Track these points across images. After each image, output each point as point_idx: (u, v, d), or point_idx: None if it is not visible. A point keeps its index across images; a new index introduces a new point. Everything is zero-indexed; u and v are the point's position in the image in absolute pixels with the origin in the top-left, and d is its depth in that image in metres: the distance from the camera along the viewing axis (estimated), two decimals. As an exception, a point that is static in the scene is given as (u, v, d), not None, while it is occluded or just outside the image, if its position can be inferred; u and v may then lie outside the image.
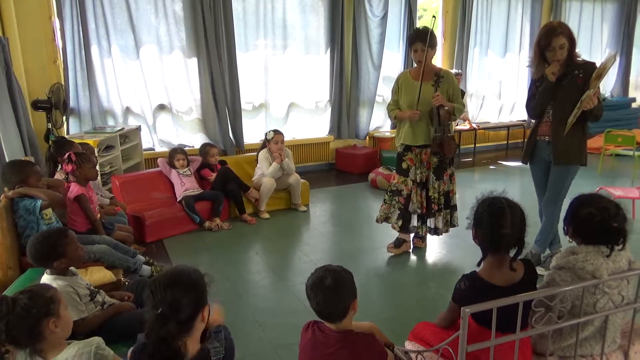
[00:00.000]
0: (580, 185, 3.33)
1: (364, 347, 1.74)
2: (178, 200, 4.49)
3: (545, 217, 3.34)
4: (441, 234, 3.84)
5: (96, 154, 3.99)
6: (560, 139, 3.07)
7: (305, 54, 6.32)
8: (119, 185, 4.38)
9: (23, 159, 3.64)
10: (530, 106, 3.23)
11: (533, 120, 3.36)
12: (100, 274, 2.68)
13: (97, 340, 1.81)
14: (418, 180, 3.70)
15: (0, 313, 1.59)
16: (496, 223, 1.72)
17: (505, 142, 8.07)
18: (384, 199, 3.86)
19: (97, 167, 4.02)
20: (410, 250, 3.96)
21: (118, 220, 3.60)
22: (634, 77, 9.04)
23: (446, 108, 3.46)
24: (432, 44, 3.48)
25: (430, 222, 3.83)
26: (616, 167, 6.58)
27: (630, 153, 6.16)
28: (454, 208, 3.83)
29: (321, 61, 6.43)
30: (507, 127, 7.89)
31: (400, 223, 3.79)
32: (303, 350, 1.80)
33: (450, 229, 3.86)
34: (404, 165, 3.70)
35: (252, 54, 6.05)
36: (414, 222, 3.89)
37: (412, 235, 3.95)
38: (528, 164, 3.41)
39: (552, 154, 3.14)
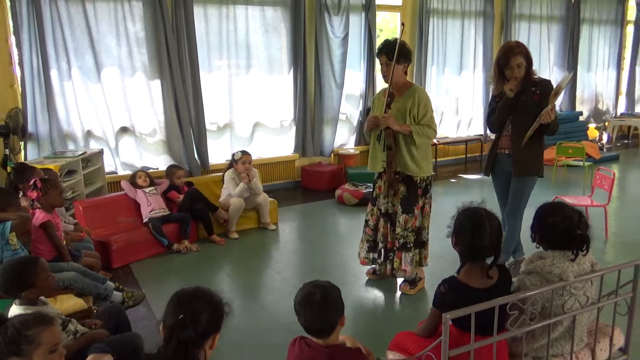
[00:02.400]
0: (537, 195, 3.51)
1: (351, 361, 1.77)
2: (144, 221, 4.40)
3: (508, 226, 3.49)
4: (409, 278, 3.41)
5: (59, 179, 3.88)
6: (519, 152, 3.24)
7: (268, 74, 6.38)
8: (82, 210, 4.26)
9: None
10: (490, 121, 3.40)
11: (493, 135, 3.53)
12: (70, 302, 2.60)
13: (73, 370, 1.77)
14: (383, 211, 3.38)
15: None
16: (476, 234, 1.83)
17: (464, 155, 8.36)
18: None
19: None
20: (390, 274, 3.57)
21: (84, 246, 3.50)
22: (580, 93, 9.60)
23: (389, 131, 3.16)
24: (400, 58, 3.11)
25: (394, 262, 3.38)
26: (568, 177, 6.93)
27: (581, 163, 6.52)
28: (423, 245, 3.39)
29: (285, 81, 6.51)
30: (465, 141, 8.18)
31: (370, 257, 3.52)
32: (289, 367, 1.81)
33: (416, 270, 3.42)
34: (374, 194, 3.46)
35: (216, 75, 6.06)
36: (379, 259, 3.53)
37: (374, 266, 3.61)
38: (490, 176, 3.57)
39: (512, 166, 3.30)
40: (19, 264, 2.16)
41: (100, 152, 5.28)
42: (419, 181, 3.28)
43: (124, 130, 5.62)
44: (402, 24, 3.53)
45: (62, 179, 4.36)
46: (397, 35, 3.24)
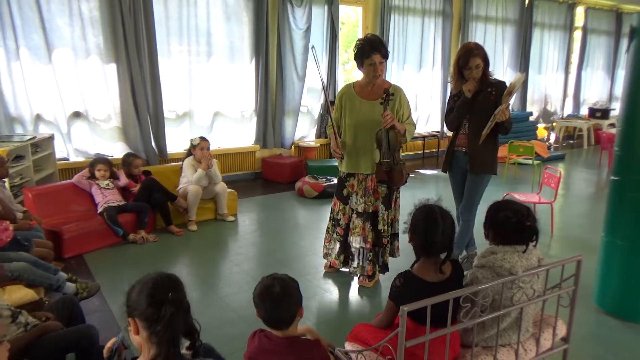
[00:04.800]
0: (490, 191, 3.66)
1: (309, 352, 1.81)
2: (98, 212, 4.27)
3: (462, 222, 3.62)
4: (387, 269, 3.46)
5: (6, 164, 3.70)
6: (475, 150, 3.37)
7: (230, 63, 6.30)
8: (32, 197, 4.08)
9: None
10: (448, 119, 3.51)
11: (450, 133, 3.65)
12: (20, 293, 2.50)
13: (23, 363, 1.72)
14: (361, 211, 3.28)
15: None
16: (429, 231, 1.90)
17: (422, 151, 8.56)
18: (327, 228, 3.55)
19: (7, 181, 3.76)
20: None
21: (34, 235, 3.35)
22: (530, 94, 10.02)
23: (397, 130, 3.06)
24: (388, 55, 3.14)
25: (380, 259, 3.39)
26: (518, 175, 7.24)
27: (530, 162, 6.83)
28: (394, 236, 3.42)
29: (246, 70, 6.45)
30: (423, 137, 8.37)
31: (342, 258, 3.48)
32: (249, 359, 1.83)
33: (389, 258, 3.45)
34: (345, 192, 3.34)
35: (175, 61, 5.92)
36: (354, 262, 3.42)
37: (355, 277, 3.55)
38: (447, 172, 3.69)
39: (468, 164, 3.43)
40: (-35, 253, 2.06)
41: (51, 138, 5.05)
42: None
43: (76, 115, 5.41)
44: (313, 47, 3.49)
45: (9, 164, 4.15)
46: (358, 32, 3.21)
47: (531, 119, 9.58)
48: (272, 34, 6.44)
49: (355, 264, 3.44)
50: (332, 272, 3.74)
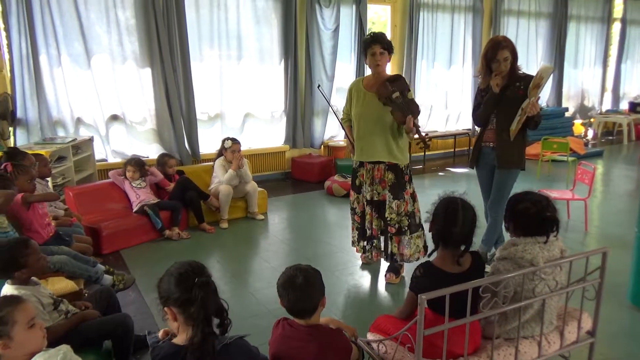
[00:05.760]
0: (522, 188, 3.58)
1: (331, 341, 1.86)
2: (134, 211, 4.45)
3: (491, 218, 3.59)
4: (411, 261, 3.44)
5: (49, 165, 3.91)
6: (503, 145, 3.33)
7: (260, 65, 6.42)
8: (72, 196, 4.30)
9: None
10: (476, 115, 3.48)
11: (478, 128, 3.62)
12: (62, 284, 2.66)
13: (65, 348, 1.82)
14: (369, 198, 3.42)
15: None
16: (448, 221, 1.92)
17: (453, 149, 8.47)
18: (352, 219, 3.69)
19: (50, 180, 3.97)
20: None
21: (75, 231, 3.54)
22: (566, 89, 9.75)
23: (414, 126, 3.19)
24: (391, 48, 3.24)
25: (388, 247, 3.46)
26: (552, 172, 7.08)
27: (565, 158, 6.66)
28: (420, 228, 3.45)
29: (276, 72, 6.56)
30: (454, 135, 8.29)
31: (362, 245, 3.62)
32: (272, 345, 1.89)
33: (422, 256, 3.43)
34: (357, 182, 3.51)
35: (207, 64, 6.09)
36: (368, 244, 3.56)
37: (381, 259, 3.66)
38: (474, 168, 3.66)
39: (496, 159, 3.40)
40: (10, 245, 2.21)
41: (91, 140, 5.30)
42: (403, 168, 3.37)
43: (114, 118, 5.65)
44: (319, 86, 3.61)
45: (52, 165, 4.39)
46: (387, 30, 3.25)
47: (567, 115, 9.31)
48: (300, 35, 6.53)
49: (368, 248, 3.59)
50: (366, 262, 3.82)
